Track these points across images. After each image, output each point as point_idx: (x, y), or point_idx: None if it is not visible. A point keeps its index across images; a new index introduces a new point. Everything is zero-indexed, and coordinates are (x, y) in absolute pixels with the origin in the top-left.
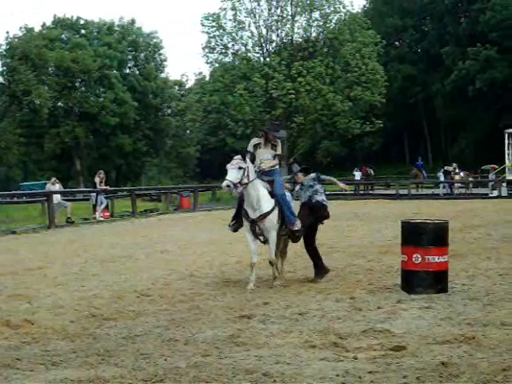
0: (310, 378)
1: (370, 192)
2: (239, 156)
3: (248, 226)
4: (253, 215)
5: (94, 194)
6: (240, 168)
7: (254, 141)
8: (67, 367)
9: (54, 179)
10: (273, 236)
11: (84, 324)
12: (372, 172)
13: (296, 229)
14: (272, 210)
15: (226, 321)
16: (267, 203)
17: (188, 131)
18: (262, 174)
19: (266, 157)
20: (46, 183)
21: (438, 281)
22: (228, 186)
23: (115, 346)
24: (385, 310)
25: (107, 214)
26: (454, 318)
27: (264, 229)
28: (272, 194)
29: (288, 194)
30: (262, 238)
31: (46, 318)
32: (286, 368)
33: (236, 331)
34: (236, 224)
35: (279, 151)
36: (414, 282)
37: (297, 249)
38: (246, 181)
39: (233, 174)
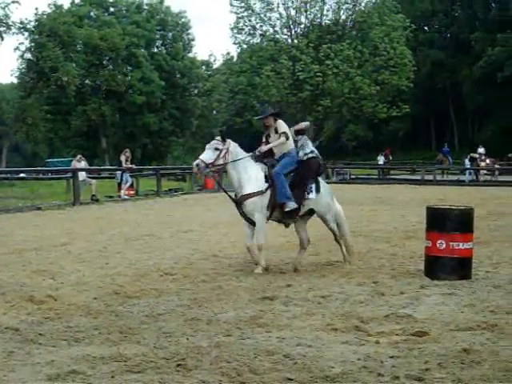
0: (332, 361)
1: (396, 177)
2: (219, 137)
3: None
4: (235, 196)
5: (120, 172)
6: (216, 149)
7: (264, 132)
8: (89, 344)
9: (79, 156)
10: (258, 219)
11: (107, 301)
12: (389, 157)
13: (287, 210)
14: (257, 193)
15: (249, 302)
16: (252, 185)
17: (214, 112)
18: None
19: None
20: (71, 160)
21: (461, 267)
22: (197, 164)
23: (138, 323)
24: (408, 295)
25: (132, 192)
26: (477, 305)
27: (246, 211)
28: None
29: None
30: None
31: (70, 294)
32: (308, 350)
33: (258, 312)
34: None
35: (281, 129)
36: (438, 268)
37: (323, 232)
38: (220, 162)
39: (207, 154)
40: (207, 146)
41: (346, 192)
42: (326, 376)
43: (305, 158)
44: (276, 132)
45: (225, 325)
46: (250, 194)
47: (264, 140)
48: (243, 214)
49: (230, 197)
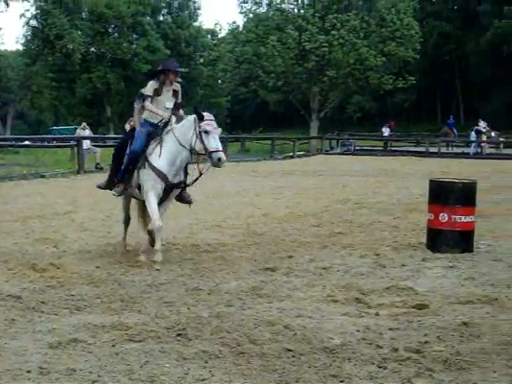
0: (331, 333)
1: (400, 149)
2: (211, 116)
3: (160, 191)
4: (173, 179)
5: None
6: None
7: (153, 84)
8: (91, 312)
9: (84, 124)
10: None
11: (109, 270)
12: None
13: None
14: None
15: (250, 272)
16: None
17: (219, 81)
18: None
19: (168, 105)
20: (76, 128)
21: (463, 240)
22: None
23: (139, 293)
24: (409, 267)
25: None
26: (478, 279)
27: (172, 195)
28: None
29: None
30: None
31: (72, 262)
32: (308, 321)
33: (259, 283)
34: (123, 188)
35: (180, 99)
36: (440, 240)
37: (326, 203)
38: None
39: (220, 143)
40: (214, 131)
41: (350, 163)
42: (325, 347)
43: None
44: (172, 93)
45: (226, 295)
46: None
47: (151, 93)
48: (168, 198)
49: (166, 178)
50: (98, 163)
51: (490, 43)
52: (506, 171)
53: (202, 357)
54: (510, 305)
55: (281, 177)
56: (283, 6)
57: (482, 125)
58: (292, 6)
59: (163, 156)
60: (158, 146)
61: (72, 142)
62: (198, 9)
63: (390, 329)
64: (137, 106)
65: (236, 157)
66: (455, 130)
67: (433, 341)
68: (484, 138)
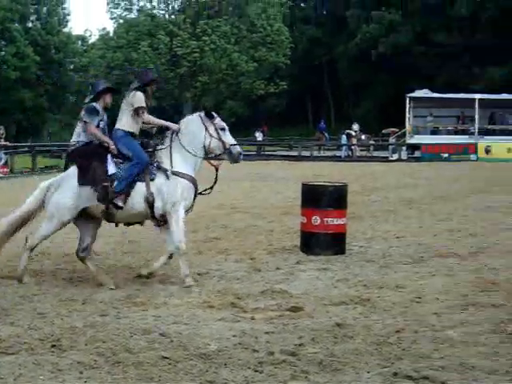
0: (207, 338)
1: (274, 153)
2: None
3: (192, 201)
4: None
5: None
6: None
7: (143, 97)
8: None
9: None
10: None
11: None
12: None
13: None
14: None
15: (125, 280)
16: None
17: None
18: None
19: None
20: None
21: (336, 243)
22: None
23: (12, 304)
24: (283, 271)
25: (6, 170)
26: (351, 280)
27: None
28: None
29: None
30: None
31: None
32: (184, 328)
33: (134, 291)
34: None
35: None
36: (313, 243)
37: (199, 207)
38: None
39: None
40: (227, 127)
41: (224, 169)
42: (201, 353)
43: None
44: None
45: (101, 304)
46: None
47: (145, 105)
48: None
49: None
50: None
51: (358, 47)
52: (375, 173)
53: (77, 367)
54: (381, 305)
55: None
56: (154, 11)
57: (355, 128)
58: (163, 12)
59: (183, 162)
60: (169, 155)
61: None
62: (68, 15)
63: (266, 332)
64: (92, 121)
65: None
66: (326, 134)
67: (308, 343)
68: (354, 141)
